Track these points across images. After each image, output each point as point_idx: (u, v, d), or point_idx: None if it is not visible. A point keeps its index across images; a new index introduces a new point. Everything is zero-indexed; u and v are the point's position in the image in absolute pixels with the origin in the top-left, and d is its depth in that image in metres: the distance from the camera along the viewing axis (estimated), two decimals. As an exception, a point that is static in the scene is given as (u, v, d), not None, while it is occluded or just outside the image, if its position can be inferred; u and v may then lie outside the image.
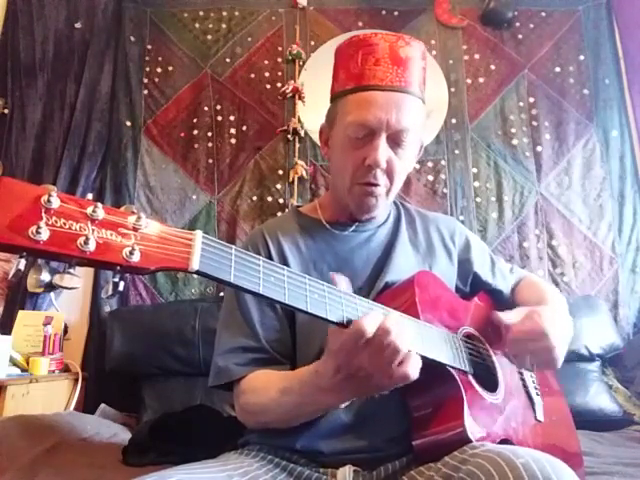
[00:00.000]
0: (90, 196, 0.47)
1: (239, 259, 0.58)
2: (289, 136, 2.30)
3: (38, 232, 0.44)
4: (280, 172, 2.30)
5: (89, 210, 0.48)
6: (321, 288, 0.66)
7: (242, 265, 0.58)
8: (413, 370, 0.66)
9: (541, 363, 0.88)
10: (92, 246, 0.47)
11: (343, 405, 0.72)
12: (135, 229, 0.51)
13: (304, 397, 0.74)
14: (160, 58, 2.41)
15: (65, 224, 0.47)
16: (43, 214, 0.46)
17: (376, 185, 0.89)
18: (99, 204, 0.49)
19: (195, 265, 0.53)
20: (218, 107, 2.36)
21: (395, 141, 0.87)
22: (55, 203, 0.46)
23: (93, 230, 0.48)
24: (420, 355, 0.73)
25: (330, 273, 0.72)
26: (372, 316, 0.64)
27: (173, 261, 0.53)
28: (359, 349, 0.64)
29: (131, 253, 0.49)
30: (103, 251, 0.48)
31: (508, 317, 0.86)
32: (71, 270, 0.49)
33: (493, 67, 2.44)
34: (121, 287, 0.51)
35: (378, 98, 0.84)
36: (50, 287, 1.89)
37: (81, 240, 0.47)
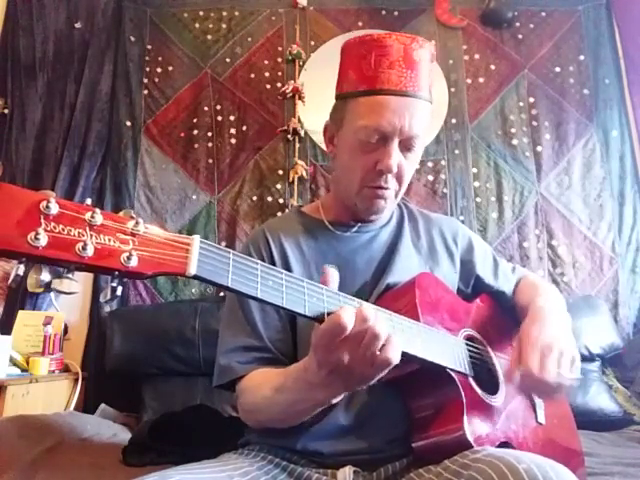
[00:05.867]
0: (89, 201, 0.47)
1: (237, 263, 0.58)
2: (289, 136, 2.30)
3: (37, 238, 0.45)
4: (280, 172, 2.30)
5: (87, 216, 0.49)
6: (319, 292, 0.65)
7: (240, 269, 0.58)
8: (394, 354, 0.63)
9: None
10: (90, 251, 0.47)
11: (335, 400, 0.70)
12: (133, 234, 0.51)
13: (297, 394, 0.73)
14: (160, 58, 2.41)
15: (63, 230, 0.47)
16: (42, 220, 0.46)
17: (386, 189, 0.89)
18: (97, 210, 0.49)
19: (192, 270, 0.54)
20: (218, 107, 2.36)
21: (406, 146, 0.87)
22: (54, 209, 0.47)
23: (91, 235, 0.48)
24: (419, 358, 0.73)
25: (323, 266, 0.70)
26: (348, 308, 0.62)
27: (170, 266, 0.53)
28: (337, 343, 0.61)
29: (129, 258, 0.49)
30: (101, 256, 0.48)
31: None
32: (70, 275, 0.49)
33: (493, 67, 2.44)
34: (119, 292, 0.51)
35: (392, 103, 0.83)
36: (50, 287, 1.89)
37: (79, 246, 0.47)
